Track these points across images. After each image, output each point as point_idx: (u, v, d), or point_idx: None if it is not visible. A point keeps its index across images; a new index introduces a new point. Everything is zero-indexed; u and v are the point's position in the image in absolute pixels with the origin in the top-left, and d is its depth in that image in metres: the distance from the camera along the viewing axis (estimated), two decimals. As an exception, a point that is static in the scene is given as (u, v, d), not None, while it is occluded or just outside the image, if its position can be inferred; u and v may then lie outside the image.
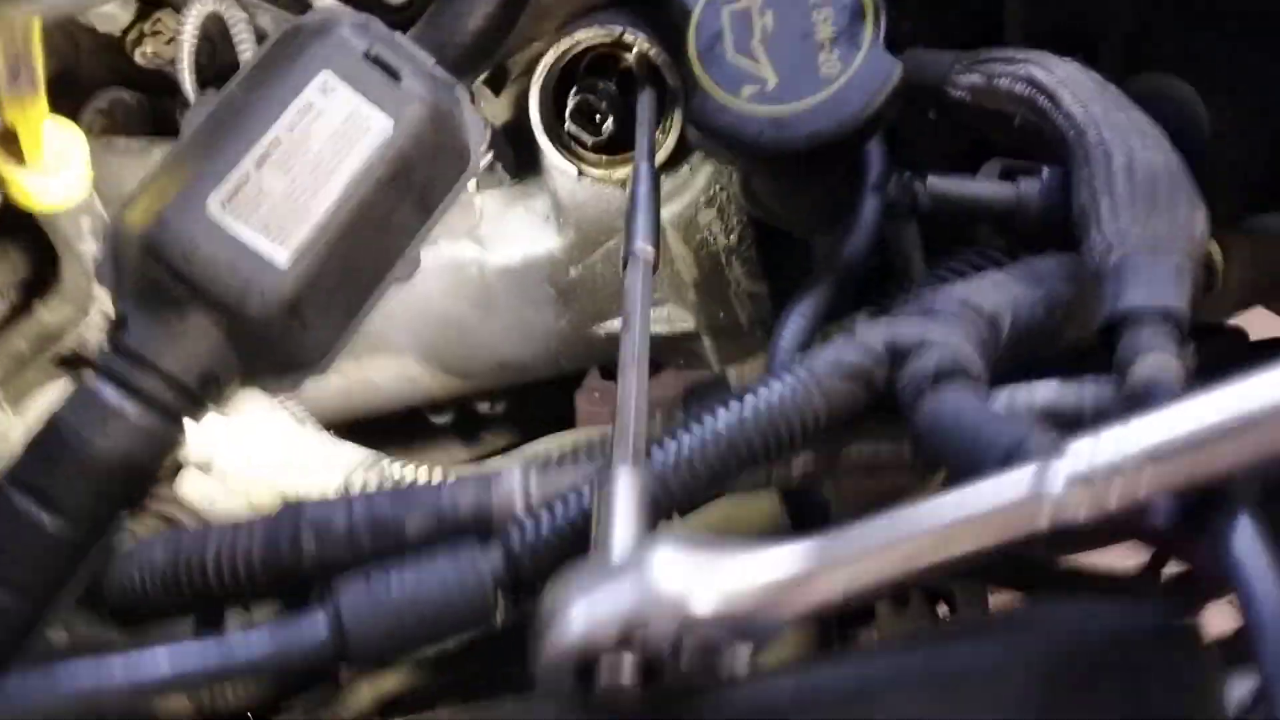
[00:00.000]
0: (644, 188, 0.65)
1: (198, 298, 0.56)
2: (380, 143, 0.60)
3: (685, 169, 0.85)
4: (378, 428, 1.04)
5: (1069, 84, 0.59)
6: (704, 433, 0.46)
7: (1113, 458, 0.34)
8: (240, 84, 0.62)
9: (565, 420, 1.30)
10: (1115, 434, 0.35)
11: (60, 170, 0.74)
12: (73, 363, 1.02)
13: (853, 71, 0.59)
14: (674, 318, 0.96)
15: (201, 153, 0.59)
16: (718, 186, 0.86)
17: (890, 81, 0.59)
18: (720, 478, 0.46)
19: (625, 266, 0.60)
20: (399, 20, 0.69)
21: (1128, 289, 0.45)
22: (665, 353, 1.04)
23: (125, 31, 0.98)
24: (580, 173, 0.86)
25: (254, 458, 0.79)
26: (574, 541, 0.45)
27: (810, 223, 0.78)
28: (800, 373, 0.48)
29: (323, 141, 0.59)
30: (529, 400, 1.18)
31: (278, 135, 0.59)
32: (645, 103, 0.76)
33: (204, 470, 0.79)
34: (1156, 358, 0.41)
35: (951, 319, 0.49)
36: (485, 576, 0.45)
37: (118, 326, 0.58)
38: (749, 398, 0.47)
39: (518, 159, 0.91)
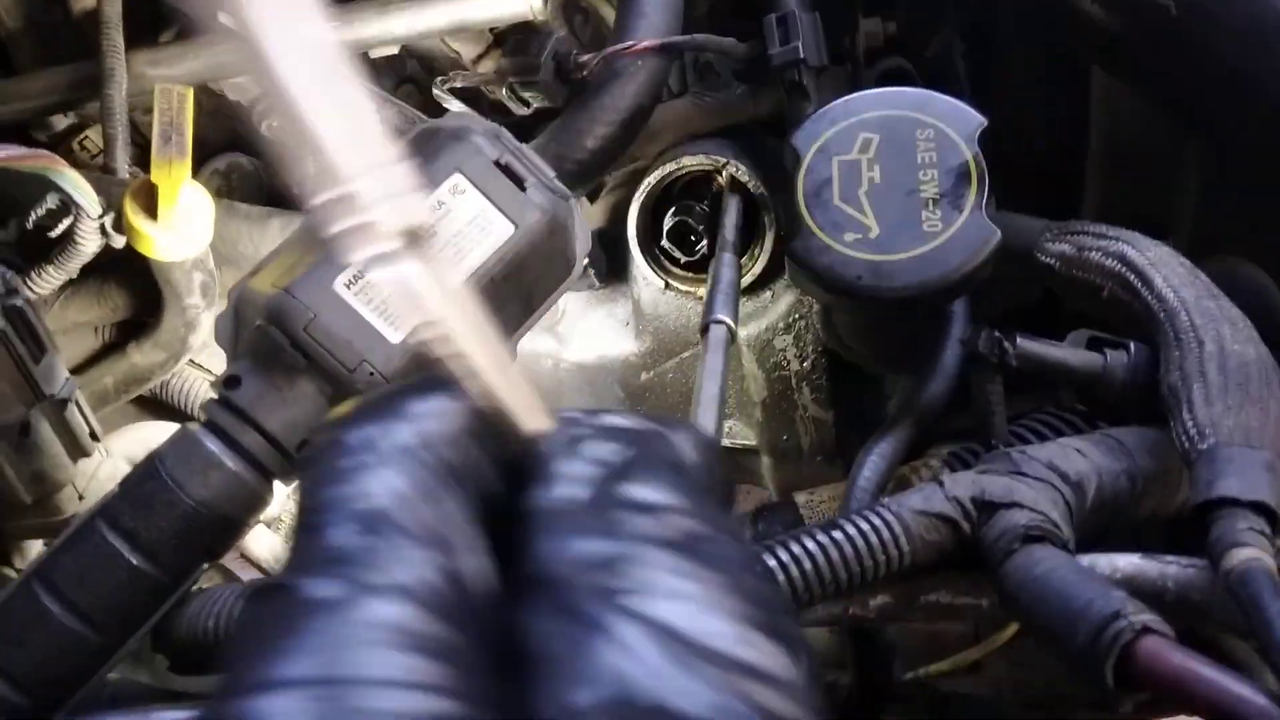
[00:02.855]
0: (727, 270, 0.69)
1: (311, 366, 0.59)
2: (500, 244, 0.63)
3: (768, 294, 0.89)
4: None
5: (1160, 266, 0.62)
6: (793, 553, 0.47)
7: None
8: (375, 173, 0.67)
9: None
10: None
11: (185, 227, 0.79)
12: (149, 406, 1.05)
13: (954, 231, 0.62)
14: (735, 432, 0.98)
15: (334, 233, 0.63)
16: (797, 314, 0.89)
17: (989, 246, 0.62)
18: (802, 602, 0.47)
19: (705, 333, 0.63)
20: (519, 125, 0.74)
21: (1221, 478, 0.46)
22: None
23: (254, 102, 1.05)
24: (666, 285, 0.89)
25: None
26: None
27: (887, 363, 0.80)
28: (888, 514, 0.49)
29: (448, 237, 0.63)
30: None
31: (407, 227, 0.62)
32: (731, 206, 0.81)
33: (271, 527, 0.81)
34: (1251, 551, 0.42)
35: (1039, 482, 0.50)
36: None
37: (228, 384, 0.61)
38: (838, 531, 0.48)
39: (608, 265, 0.94)
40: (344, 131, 0.30)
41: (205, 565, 0.61)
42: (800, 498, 0.70)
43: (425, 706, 0.22)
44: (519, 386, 0.30)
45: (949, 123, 0.65)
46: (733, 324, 0.66)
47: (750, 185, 0.84)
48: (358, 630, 0.24)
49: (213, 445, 0.59)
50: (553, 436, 0.30)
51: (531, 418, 0.30)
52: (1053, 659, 0.42)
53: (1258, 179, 0.79)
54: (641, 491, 0.27)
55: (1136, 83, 0.74)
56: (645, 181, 0.87)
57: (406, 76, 1.04)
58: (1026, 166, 0.90)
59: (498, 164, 0.65)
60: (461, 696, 0.23)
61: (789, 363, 0.90)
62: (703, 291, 0.90)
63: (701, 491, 0.28)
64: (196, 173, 1.02)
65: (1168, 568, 0.48)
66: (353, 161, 0.29)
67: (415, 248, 0.30)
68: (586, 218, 0.96)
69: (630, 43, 0.73)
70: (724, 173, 0.85)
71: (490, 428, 0.30)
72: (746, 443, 0.98)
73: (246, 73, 0.97)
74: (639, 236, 0.88)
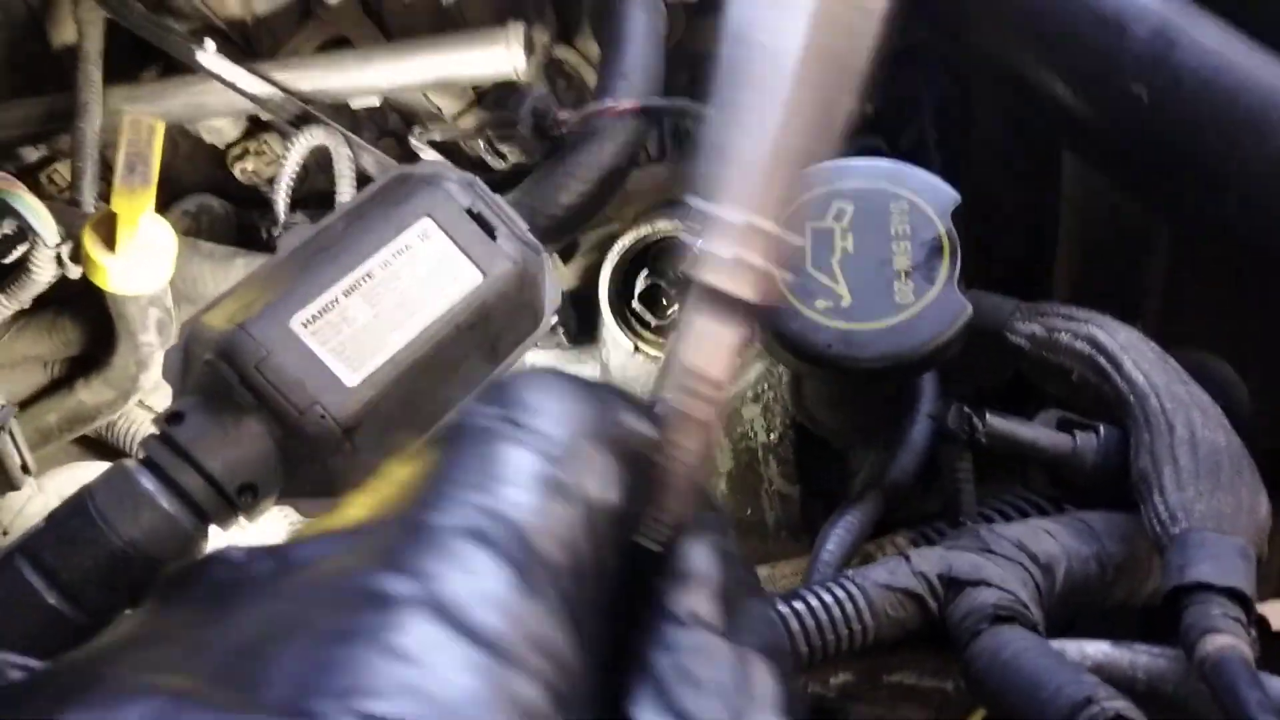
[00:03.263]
0: None
1: (261, 406, 0.57)
2: (466, 292, 0.62)
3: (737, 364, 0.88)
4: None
5: (1130, 350, 0.62)
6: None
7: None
8: (343, 216, 0.65)
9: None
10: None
11: (144, 260, 0.77)
12: (93, 447, 1.02)
13: (926, 303, 0.62)
14: (698, 506, 0.96)
15: (294, 272, 0.61)
16: (766, 385, 0.88)
17: (960, 318, 0.61)
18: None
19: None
20: (496, 181, 0.73)
21: (1194, 563, 0.45)
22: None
23: (230, 146, 1.05)
24: (636, 348, 0.88)
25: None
26: None
27: (855, 436, 0.79)
28: (852, 587, 0.47)
29: (412, 282, 0.61)
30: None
31: (371, 269, 0.61)
32: None
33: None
34: (1226, 639, 0.41)
35: (1008, 561, 0.48)
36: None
37: (171, 419, 0.58)
38: (800, 602, 0.46)
39: (578, 325, 0.93)
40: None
41: (128, 610, 0.57)
42: (762, 571, 0.68)
43: None
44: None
45: (924, 196, 0.65)
46: None
47: (724, 253, 0.84)
48: None
49: (147, 483, 0.56)
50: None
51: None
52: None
53: (1225, 270, 0.80)
54: None
55: (1108, 168, 0.76)
56: (619, 243, 0.86)
57: (388, 130, 1.04)
58: (997, 246, 0.91)
59: (469, 211, 0.64)
60: None
61: (756, 434, 0.89)
62: (672, 357, 0.89)
63: None
64: (165, 212, 1.01)
65: (1138, 656, 0.47)
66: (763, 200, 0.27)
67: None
68: (559, 278, 0.95)
69: (610, 103, 0.73)
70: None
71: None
72: (711, 513, 0.96)
73: (224, 114, 0.97)
74: (611, 298, 0.87)
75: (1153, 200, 0.79)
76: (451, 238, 0.63)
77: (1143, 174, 0.75)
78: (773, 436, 0.88)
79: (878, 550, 0.65)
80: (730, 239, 0.28)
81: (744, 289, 0.27)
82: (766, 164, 0.28)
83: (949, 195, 0.65)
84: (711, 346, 0.28)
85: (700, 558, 0.27)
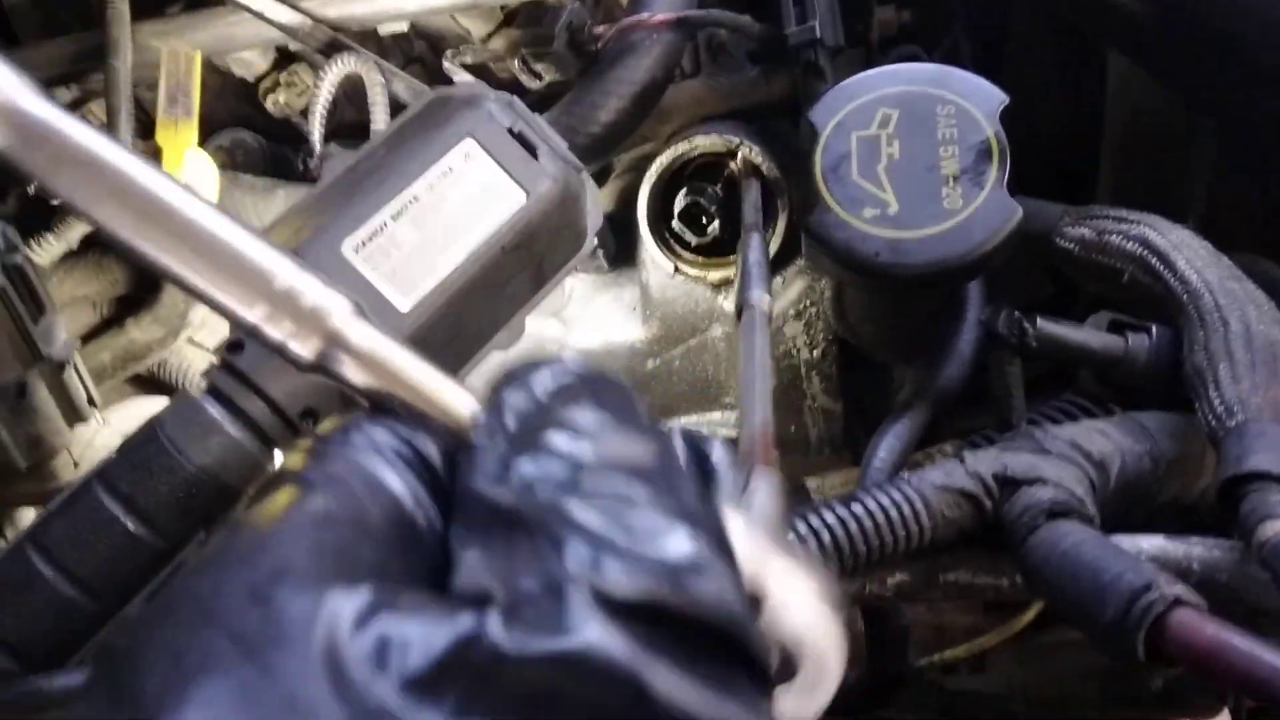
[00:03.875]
0: (754, 252, 0.67)
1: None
2: (512, 213, 0.62)
3: (778, 280, 0.87)
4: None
5: (1183, 248, 0.61)
6: (811, 526, 0.46)
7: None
8: (385, 141, 0.65)
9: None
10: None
11: (189, 196, 0.77)
12: (146, 386, 1.04)
13: (975, 208, 0.61)
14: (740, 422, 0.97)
15: (341, 199, 0.61)
16: (808, 301, 0.87)
17: (1011, 222, 0.61)
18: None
19: (740, 316, 0.61)
20: (531, 103, 0.73)
21: (1252, 453, 0.45)
22: (722, 457, 1.04)
23: (259, 79, 1.04)
24: (676, 269, 0.88)
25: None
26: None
27: (899, 348, 0.79)
28: (908, 489, 0.48)
29: (458, 204, 0.61)
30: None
31: (417, 193, 0.61)
32: (752, 188, 0.79)
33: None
34: (1288, 522, 0.41)
35: (1063, 460, 0.49)
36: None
37: (231, 349, 0.60)
38: (857, 505, 0.47)
39: (616, 248, 0.93)
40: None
41: (202, 533, 0.59)
42: (811, 483, 0.69)
43: None
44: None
45: (970, 99, 0.64)
46: (768, 301, 0.64)
47: (764, 168, 0.83)
48: None
49: (214, 410, 0.58)
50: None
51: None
52: (1082, 632, 0.41)
53: (1272, 170, 0.79)
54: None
55: (1157, 67, 0.74)
56: (657, 162, 0.85)
57: (414, 57, 1.03)
58: (1038, 151, 0.89)
59: (510, 131, 0.64)
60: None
61: (798, 351, 0.89)
62: (713, 276, 0.88)
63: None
64: (200, 148, 1.01)
65: (1192, 548, 0.47)
66: None
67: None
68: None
69: (646, 15, 0.72)
70: (739, 154, 0.83)
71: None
72: (752, 432, 0.96)
73: (253, 45, 0.96)
74: (649, 218, 0.87)
75: (1201, 97, 0.77)
76: (494, 158, 0.63)
77: (1191, 69, 0.73)
78: (815, 353, 0.88)
79: (926, 460, 0.66)
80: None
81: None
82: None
83: (996, 96, 0.64)
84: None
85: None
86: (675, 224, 0.86)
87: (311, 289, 0.32)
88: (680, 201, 0.85)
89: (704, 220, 0.85)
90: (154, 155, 0.74)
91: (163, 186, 0.30)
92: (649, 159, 0.89)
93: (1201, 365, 0.52)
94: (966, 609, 0.65)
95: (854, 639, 0.66)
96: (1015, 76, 0.90)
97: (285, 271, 0.32)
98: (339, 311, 0.33)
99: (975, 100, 0.64)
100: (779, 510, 0.36)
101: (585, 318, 0.96)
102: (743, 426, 0.47)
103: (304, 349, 0.32)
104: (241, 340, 0.59)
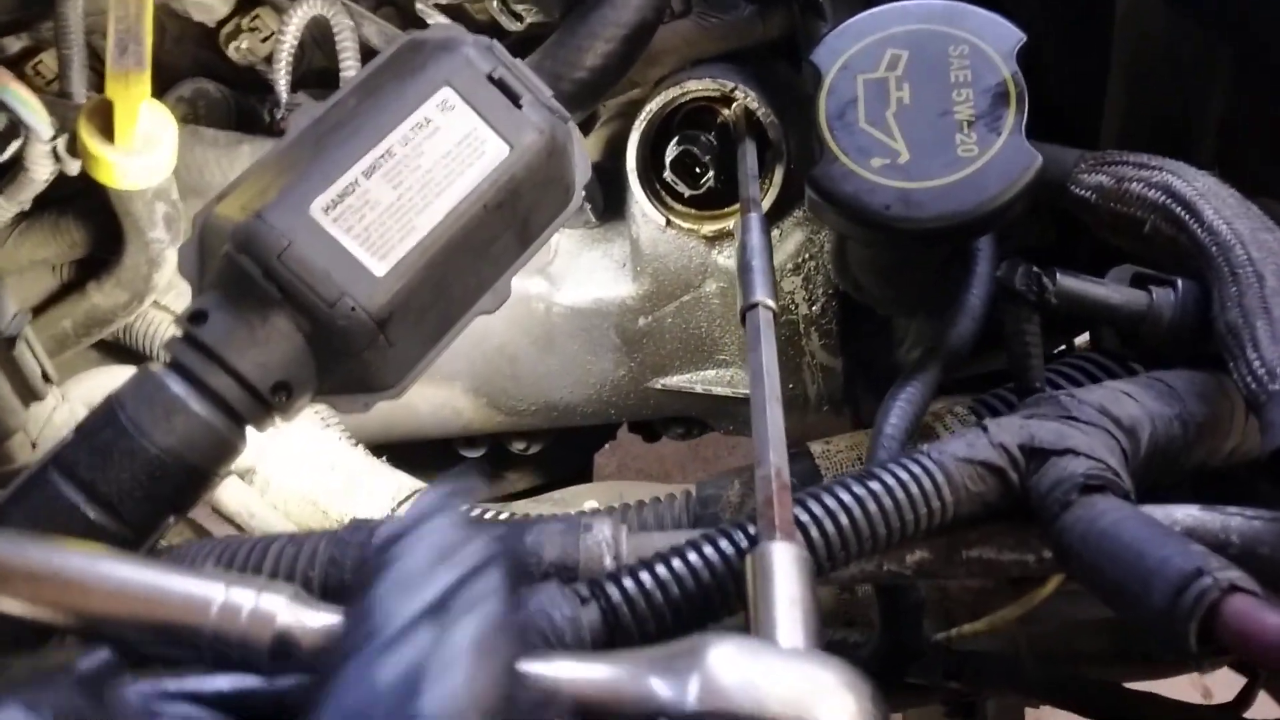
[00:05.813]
0: (756, 237, 0.62)
1: (286, 300, 0.53)
2: (494, 167, 0.58)
3: (775, 233, 0.83)
4: (403, 454, 1.00)
5: (1210, 197, 0.57)
6: (827, 507, 0.42)
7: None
8: (354, 90, 0.60)
9: (584, 472, 1.27)
10: None
11: (147, 152, 0.72)
12: (112, 351, 0.99)
13: (991, 156, 0.57)
14: (736, 381, 0.93)
15: (309, 155, 0.57)
16: (807, 255, 0.84)
17: (1030, 171, 0.57)
18: (837, 561, 0.42)
19: (745, 320, 0.57)
20: (512, 45, 0.68)
21: (1302, 420, 0.42)
22: (715, 415, 1.01)
23: (220, 24, 0.98)
24: (668, 223, 0.84)
25: (300, 473, 0.76)
26: (679, 606, 0.41)
27: (904, 303, 0.75)
28: (928, 462, 0.45)
29: (436, 158, 0.57)
30: (563, 446, 1.15)
31: (391, 147, 0.57)
32: (748, 153, 0.74)
33: (245, 479, 0.76)
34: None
35: (1093, 428, 0.46)
36: (584, 634, 0.41)
37: (194, 319, 0.55)
38: (875, 482, 0.44)
39: (604, 201, 0.89)
40: None
41: (171, 520, 0.55)
42: (816, 447, 0.66)
43: None
44: None
45: (985, 38, 0.59)
46: (773, 304, 0.60)
47: (761, 114, 0.79)
48: None
49: (177, 387, 0.53)
50: None
51: None
52: (1125, 618, 0.38)
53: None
54: None
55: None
56: (646, 108, 0.81)
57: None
58: (1042, 91, 0.85)
59: (490, 78, 0.59)
60: None
61: (797, 306, 0.85)
62: (707, 229, 0.84)
63: None
64: (159, 100, 0.95)
65: (1230, 519, 0.44)
66: None
67: None
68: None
69: (634, -50, 0.66)
70: (734, 101, 0.79)
71: None
72: (749, 393, 0.93)
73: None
74: (639, 169, 0.82)
75: (1218, 21, 0.73)
76: (474, 107, 0.58)
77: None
78: (814, 308, 0.85)
79: (936, 421, 0.63)
80: None
81: None
82: None
83: (1013, 34, 0.60)
84: None
85: None
86: (667, 175, 0.81)
87: (246, 600, 0.39)
88: (672, 151, 0.80)
89: (698, 170, 0.80)
90: (106, 111, 0.68)
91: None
92: (637, 105, 0.84)
93: (1236, 323, 0.49)
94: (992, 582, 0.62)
95: (860, 608, 0.63)
96: (1012, 14, 0.86)
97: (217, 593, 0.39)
98: (279, 609, 0.38)
99: (990, 39, 0.59)
100: (809, 598, 0.35)
101: (572, 274, 0.92)
102: (757, 468, 0.44)
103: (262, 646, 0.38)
104: (205, 310, 0.55)
